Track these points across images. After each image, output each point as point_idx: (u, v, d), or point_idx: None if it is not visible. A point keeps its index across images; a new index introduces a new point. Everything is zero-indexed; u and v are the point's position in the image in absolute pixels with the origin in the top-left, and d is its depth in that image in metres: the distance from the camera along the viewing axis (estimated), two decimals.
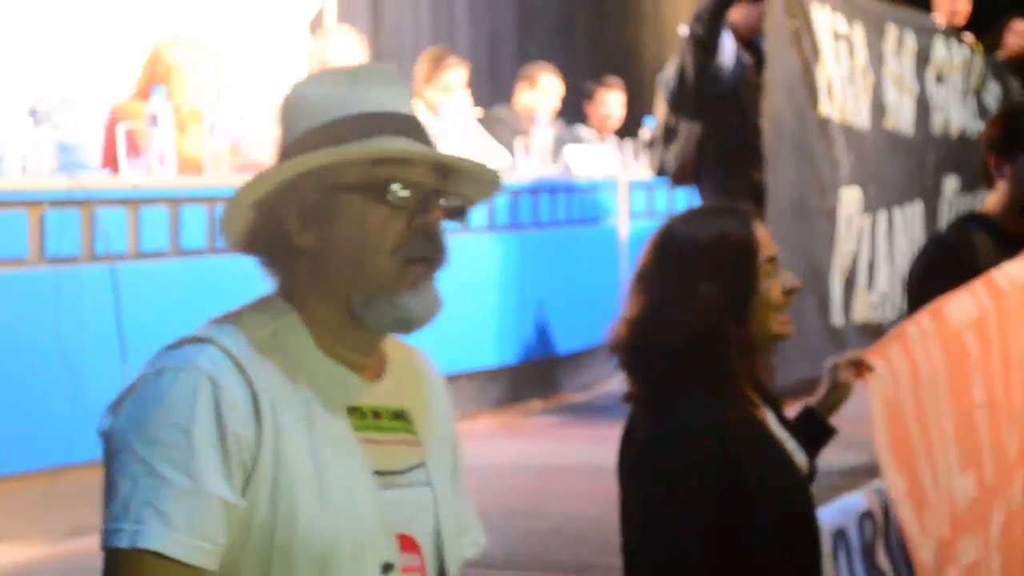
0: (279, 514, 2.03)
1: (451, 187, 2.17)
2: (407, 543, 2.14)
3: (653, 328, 2.94)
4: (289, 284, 2.16)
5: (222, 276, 6.19)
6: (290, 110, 2.17)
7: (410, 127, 2.15)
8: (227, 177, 6.47)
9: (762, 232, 3.00)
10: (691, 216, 3.09)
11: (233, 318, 2.13)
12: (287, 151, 2.15)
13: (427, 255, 2.11)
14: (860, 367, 3.34)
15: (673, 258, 2.96)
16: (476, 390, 7.75)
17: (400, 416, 2.19)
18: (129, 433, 2.01)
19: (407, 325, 2.12)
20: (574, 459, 7.01)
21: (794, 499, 2.97)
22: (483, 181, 2.20)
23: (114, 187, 5.91)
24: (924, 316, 3.71)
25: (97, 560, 2.02)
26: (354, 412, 2.13)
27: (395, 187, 2.09)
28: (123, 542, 1.97)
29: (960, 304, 3.85)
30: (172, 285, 5.93)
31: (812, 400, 3.28)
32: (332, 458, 2.07)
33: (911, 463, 3.43)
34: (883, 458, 3.35)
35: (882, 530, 4.99)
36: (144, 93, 6.54)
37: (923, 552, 3.37)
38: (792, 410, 3.28)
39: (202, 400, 2.01)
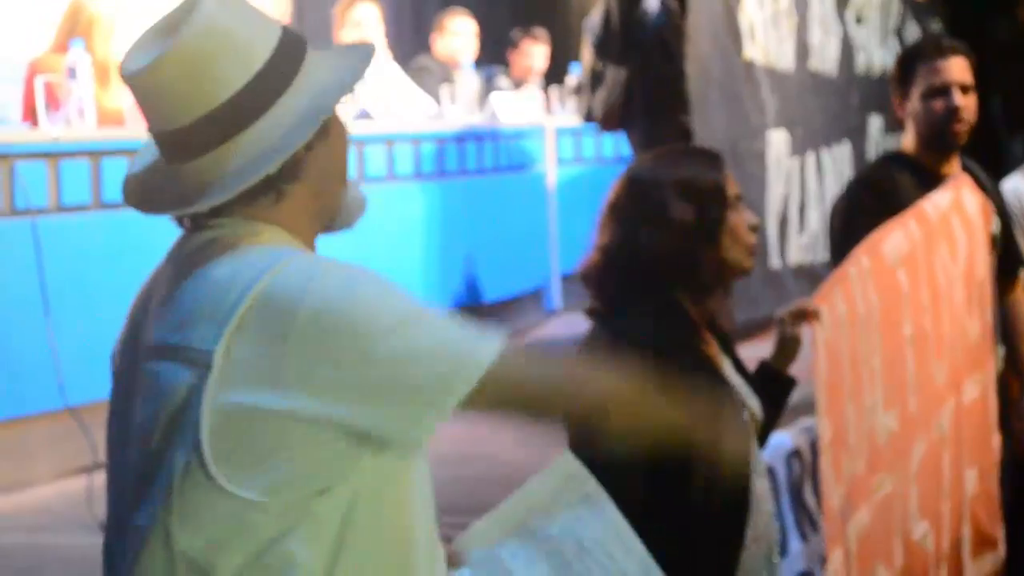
0: None
1: None
2: None
3: (628, 252, 3.02)
4: (277, 213, 2.21)
5: (144, 229, 6.13)
6: (222, 48, 2.14)
7: None
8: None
9: (728, 172, 3.10)
10: (661, 154, 3.17)
11: (285, 243, 2.19)
12: (261, 87, 2.15)
13: None
14: (807, 316, 3.34)
15: (647, 190, 3.04)
16: None
17: None
18: (380, 289, 2.24)
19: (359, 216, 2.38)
20: None
21: (723, 433, 3.00)
22: None
23: (33, 140, 5.85)
24: (862, 255, 3.69)
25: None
26: None
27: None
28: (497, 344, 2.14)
29: (894, 240, 3.85)
30: (94, 239, 5.88)
31: (767, 356, 3.31)
32: None
33: (839, 407, 3.43)
34: (819, 404, 3.36)
35: (809, 468, 5.02)
36: (63, 46, 6.46)
37: (833, 499, 3.39)
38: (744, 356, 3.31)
39: None
